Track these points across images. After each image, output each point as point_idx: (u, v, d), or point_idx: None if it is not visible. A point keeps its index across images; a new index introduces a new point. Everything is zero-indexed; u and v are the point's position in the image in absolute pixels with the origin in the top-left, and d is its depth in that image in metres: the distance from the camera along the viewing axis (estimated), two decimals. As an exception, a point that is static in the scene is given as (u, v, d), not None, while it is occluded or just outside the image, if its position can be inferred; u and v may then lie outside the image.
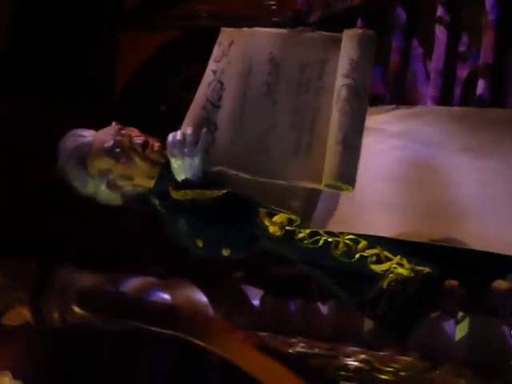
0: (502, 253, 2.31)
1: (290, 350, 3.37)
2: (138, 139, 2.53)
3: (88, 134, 2.58)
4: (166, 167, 2.47)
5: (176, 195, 2.42)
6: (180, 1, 5.55)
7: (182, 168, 2.37)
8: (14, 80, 5.56)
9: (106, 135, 2.55)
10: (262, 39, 2.39)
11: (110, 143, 2.52)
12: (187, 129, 2.35)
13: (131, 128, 2.58)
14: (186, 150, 2.33)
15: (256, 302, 4.78)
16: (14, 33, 5.40)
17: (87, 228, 5.50)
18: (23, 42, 5.61)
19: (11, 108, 5.46)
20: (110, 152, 2.52)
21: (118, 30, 6.04)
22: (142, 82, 6.17)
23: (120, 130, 2.56)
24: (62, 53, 5.82)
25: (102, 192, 2.57)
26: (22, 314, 5.08)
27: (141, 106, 6.08)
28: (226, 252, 2.49)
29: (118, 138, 2.53)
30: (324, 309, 4.27)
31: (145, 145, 2.52)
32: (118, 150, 2.51)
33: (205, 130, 2.34)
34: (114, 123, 2.59)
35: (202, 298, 4.89)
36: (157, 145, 2.52)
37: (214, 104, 2.37)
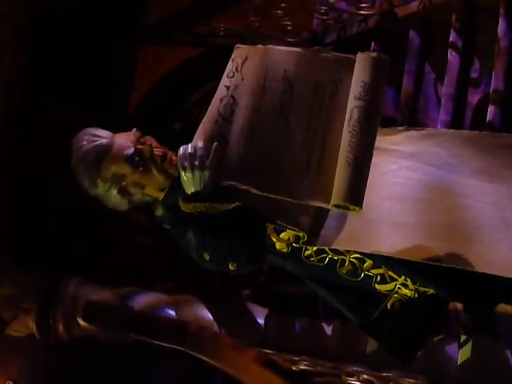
0: (510, 277, 2.31)
1: (294, 368, 3.36)
2: (158, 151, 2.53)
3: (105, 135, 2.55)
4: (176, 180, 2.48)
5: (185, 208, 2.43)
6: (200, 18, 5.58)
7: (191, 181, 2.36)
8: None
9: (127, 141, 2.53)
10: (276, 57, 2.40)
11: (131, 151, 2.52)
12: (198, 142, 2.35)
13: (149, 137, 2.57)
14: (196, 163, 2.33)
15: (261, 321, 4.77)
16: (36, 44, 5.43)
17: (97, 241, 5.52)
18: (44, 53, 5.64)
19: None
20: (129, 159, 2.51)
21: (139, 44, 6.07)
22: (158, 98, 6.19)
23: (140, 137, 2.55)
24: (84, 64, 5.86)
25: (112, 196, 2.57)
26: (27, 325, 5.08)
27: (155, 121, 6.10)
28: (232, 266, 2.50)
29: (139, 146, 2.52)
30: (328, 329, 4.27)
31: (164, 157, 2.53)
32: (137, 158, 2.51)
33: (216, 144, 2.35)
34: (134, 129, 2.57)
35: (208, 314, 4.89)
36: (174, 158, 2.51)
37: (226, 119, 2.38)
